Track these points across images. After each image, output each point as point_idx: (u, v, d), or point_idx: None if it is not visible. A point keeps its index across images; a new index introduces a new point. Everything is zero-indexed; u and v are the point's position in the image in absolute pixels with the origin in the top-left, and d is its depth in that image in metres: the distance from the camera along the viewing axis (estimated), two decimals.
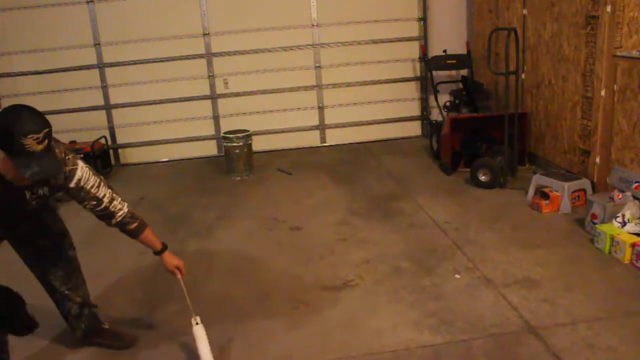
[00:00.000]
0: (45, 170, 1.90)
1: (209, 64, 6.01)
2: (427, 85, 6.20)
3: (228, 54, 5.99)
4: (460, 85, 5.66)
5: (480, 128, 4.95)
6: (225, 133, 5.43)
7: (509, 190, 4.41)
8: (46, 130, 1.90)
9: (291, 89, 6.16)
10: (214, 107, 6.14)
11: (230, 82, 6.08)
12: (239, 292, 3.13)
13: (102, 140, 5.82)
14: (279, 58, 6.06)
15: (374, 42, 6.13)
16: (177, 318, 2.56)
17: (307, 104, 6.24)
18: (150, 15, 5.81)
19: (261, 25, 5.94)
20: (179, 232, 4.06)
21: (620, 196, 3.44)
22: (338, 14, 6.01)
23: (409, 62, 6.27)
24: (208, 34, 5.91)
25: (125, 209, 2.32)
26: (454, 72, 6.09)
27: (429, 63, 5.85)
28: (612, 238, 3.20)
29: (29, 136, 1.84)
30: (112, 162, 6.03)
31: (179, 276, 2.50)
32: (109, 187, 2.30)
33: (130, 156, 6.17)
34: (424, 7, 6.08)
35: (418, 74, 6.30)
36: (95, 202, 2.24)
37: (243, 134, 5.32)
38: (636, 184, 3.50)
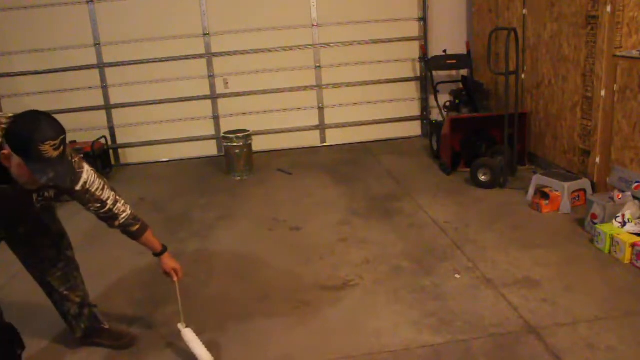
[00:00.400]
0: (60, 176, 1.93)
1: (209, 64, 6.01)
2: (427, 85, 6.20)
3: (228, 54, 5.99)
4: (460, 85, 5.66)
5: (480, 128, 4.95)
6: (225, 133, 5.43)
7: (509, 190, 4.41)
8: (62, 137, 1.92)
9: (291, 89, 6.16)
10: (214, 107, 6.14)
11: (230, 82, 6.08)
12: (239, 292, 3.13)
13: (102, 140, 5.81)
14: (279, 58, 6.06)
15: (374, 42, 6.13)
16: (177, 318, 2.56)
17: (307, 104, 6.24)
18: (150, 15, 5.81)
19: (261, 25, 5.94)
20: (179, 232, 4.06)
21: (620, 196, 3.44)
22: (338, 14, 6.01)
23: (409, 62, 6.27)
24: (208, 34, 5.91)
25: (128, 211, 2.35)
26: (454, 72, 6.09)
27: (429, 63, 5.85)
28: (612, 238, 3.20)
29: (46, 143, 1.85)
30: (112, 162, 6.03)
31: (175, 279, 2.52)
32: (112, 189, 2.32)
33: (130, 156, 6.17)
34: (424, 7, 6.08)
35: (418, 74, 6.30)
36: (99, 205, 2.25)
37: (243, 134, 5.32)
38: (636, 184, 3.50)
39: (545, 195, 3.94)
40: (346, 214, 4.20)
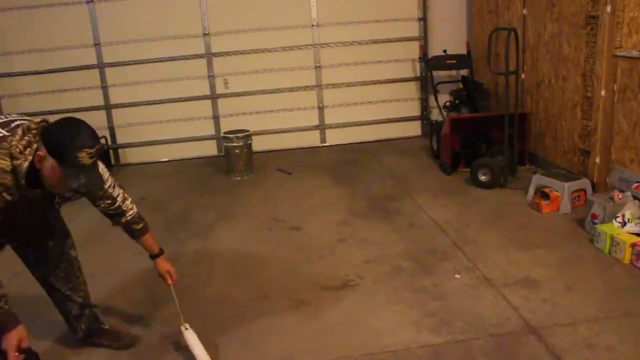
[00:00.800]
0: (92, 183, 2.02)
1: (209, 64, 6.01)
2: (427, 85, 6.20)
3: (228, 54, 6.00)
4: (460, 85, 5.66)
5: (480, 128, 4.95)
6: (225, 133, 5.43)
7: (509, 190, 4.41)
8: (98, 146, 2.00)
9: (291, 89, 6.17)
10: (214, 107, 6.14)
11: (230, 82, 6.08)
12: (239, 292, 3.13)
13: (102, 140, 5.82)
14: (279, 58, 6.06)
15: (374, 42, 6.13)
16: (177, 318, 2.56)
17: (307, 104, 6.24)
18: (151, 15, 5.82)
19: (261, 25, 5.94)
20: (179, 232, 4.06)
21: (620, 196, 3.44)
22: (338, 14, 6.01)
23: (409, 62, 6.28)
24: (208, 34, 5.91)
25: (135, 209, 2.43)
26: (454, 72, 6.09)
27: (429, 63, 5.85)
28: (612, 238, 3.20)
29: (83, 150, 1.92)
30: (112, 162, 6.04)
31: (169, 281, 2.54)
32: (121, 186, 2.39)
33: (130, 156, 6.17)
34: (424, 7, 6.08)
35: (418, 74, 6.31)
36: (110, 202, 2.32)
37: (243, 134, 5.32)
38: (636, 184, 3.50)
39: (545, 195, 3.94)
40: (346, 214, 4.20)
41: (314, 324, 2.77)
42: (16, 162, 1.93)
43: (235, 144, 5.28)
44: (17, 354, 1.97)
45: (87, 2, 5.73)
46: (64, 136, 1.93)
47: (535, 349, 2.44)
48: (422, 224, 3.91)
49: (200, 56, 5.97)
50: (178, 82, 6.00)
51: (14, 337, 1.99)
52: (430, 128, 5.66)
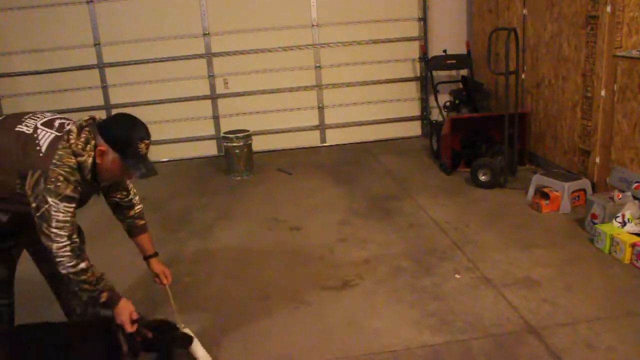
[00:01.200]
0: (150, 171, 2.16)
1: (209, 64, 6.01)
2: (427, 85, 6.20)
3: (228, 54, 5.99)
4: (460, 85, 5.66)
5: (480, 128, 4.95)
6: (225, 133, 5.43)
7: (509, 190, 4.41)
8: (150, 137, 2.17)
9: (291, 89, 6.17)
10: (214, 107, 6.14)
11: (230, 82, 6.08)
12: (239, 292, 3.13)
13: None
14: (279, 58, 6.06)
15: (374, 42, 6.13)
16: (176, 319, 2.56)
17: (307, 104, 6.24)
18: (151, 15, 5.82)
19: (261, 25, 5.94)
20: (179, 232, 4.06)
21: (620, 196, 3.44)
22: (338, 14, 6.01)
23: (409, 62, 6.27)
24: (208, 34, 5.91)
25: (141, 205, 2.51)
26: (454, 72, 6.09)
27: (429, 63, 5.85)
28: (612, 238, 3.20)
29: (143, 142, 2.11)
30: None
31: (165, 282, 2.54)
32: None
33: None
34: (424, 7, 6.08)
35: (418, 74, 6.31)
36: (125, 193, 2.42)
37: (243, 134, 5.32)
38: (636, 184, 3.51)
39: (545, 195, 3.94)
40: (346, 214, 4.20)
41: (314, 324, 2.77)
42: (80, 159, 2.03)
43: (235, 144, 5.28)
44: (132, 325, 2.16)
45: (87, 2, 5.73)
46: (124, 130, 2.10)
47: (535, 349, 2.44)
48: (422, 224, 3.91)
49: (200, 56, 5.97)
50: (178, 82, 6.00)
51: (125, 310, 2.18)
52: (430, 128, 5.66)
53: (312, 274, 3.29)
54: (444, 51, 5.83)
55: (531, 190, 4.14)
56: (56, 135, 2.04)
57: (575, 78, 4.20)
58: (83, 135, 2.07)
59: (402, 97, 6.34)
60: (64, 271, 2.03)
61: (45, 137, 2.03)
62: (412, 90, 6.36)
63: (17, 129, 2.05)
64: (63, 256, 2.00)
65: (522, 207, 4.07)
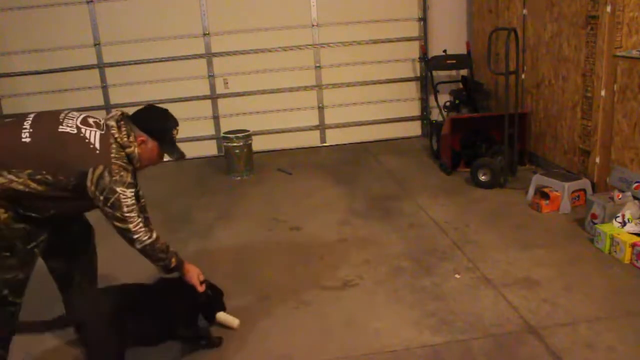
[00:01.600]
0: (183, 154, 2.44)
1: (209, 64, 6.01)
2: (427, 85, 6.20)
3: (228, 54, 5.99)
4: (460, 85, 5.66)
5: (480, 128, 4.95)
6: (225, 133, 5.43)
7: (509, 190, 4.41)
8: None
9: (291, 89, 6.16)
10: (214, 107, 6.14)
11: (230, 82, 6.08)
12: (239, 292, 3.13)
13: None
14: (279, 58, 6.06)
15: (374, 42, 6.13)
16: None
17: (307, 104, 6.24)
18: (151, 15, 5.81)
19: (261, 25, 5.94)
20: (179, 232, 4.06)
21: (620, 196, 3.44)
22: (338, 14, 6.01)
23: (409, 62, 6.27)
24: (208, 34, 5.91)
25: (144, 199, 2.71)
26: (454, 72, 6.09)
27: (429, 63, 5.85)
28: (612, 238, 3.20)
29: (175, 129, 2.41)
30: None
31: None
32: None
33: None
34: (424, 7, 6.08)
35: (418, 74, 6.31)
36: (136, 183, 2.46)
37: (243, 134, 5.32)
38: (636, 184, 3.51)
39: (545, 195, 3.94)
40: (346, 214, 4.20)
41: (314, 324, 2.77)
42: (129, 150, 2.25)
43: (235, 144, 5.28)
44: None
45: (87, 2, 5.73)
46: (160, 120, 2.39)
47: (535, 349, 2.44)
48: (422, 224, 3.91)
49: (200, 56, 5.97)
50: (178, 82, 6.00)
51: (194, 272, 2.43)
52: (430, 128, 5.66)
53: (312, 274, 3.29)
54: (444, 51, 5.83)
55: (531, 190, 4.14)
56: (101, 133, 2.22)
57: (575, 78, 4.20)
58: (123, 129, 2.26)
59: (402, 97, 6.34)
60: (140, 246, 2.21)
61: (93, 135, 2.20)
62: (412, 90, 6.36)
63: (60, 129, 2.17)
64: (139, 232, 2.19)
65: (522, 207, 4.07)
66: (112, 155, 2.18)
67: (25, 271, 2.22)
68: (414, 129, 6.45)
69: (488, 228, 3.75)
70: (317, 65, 6.12)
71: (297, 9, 5.95)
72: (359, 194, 4.61)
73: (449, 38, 6.09)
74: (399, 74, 6.26)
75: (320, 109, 6.27)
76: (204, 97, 6.10)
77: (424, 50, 6.05)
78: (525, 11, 4.85)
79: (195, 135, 6.18)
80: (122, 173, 2.17)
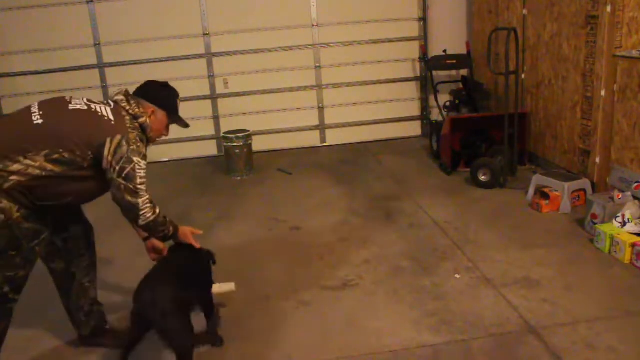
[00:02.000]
0: (187, 124, 2.54)
1: (209, 64, 6.01)
2: (427, 85, 6.20)
3: (228, 54, 5.99)
4: (460, 85, 5.66)
5: (480, 128, 4.95)
6: (225, 133, 5.43)
7: (509, 190, 4.41)
8: None
9: (291, 89, 6.16)
10: (214, 107, 6.14)
11: (230, 82, 6.08)
12: (239, 292, 3.12)
13: None
14: (279, 58, 6.06)
15: (374, 42, 6.13)
16: None
17: (307, 104, 6.24)
18: (151, 15, 5.81)
19: (261, 25, 5.94)
20: None
21: (620, 196, 3.44)
22: (338, 14, 6.01)
23: (409, 62, 6.27)
24: (208, 34, 5.91)
25: None
26: (454, 72, 6.09)
27: (429, 63, 5.85)
28: (612, 238, 3.20)
29: (178, 97, 2.49)
30: None
31: (153, 256, 2.60)
32: None
33: None
34: (424, 7, 6.08)
35: (418, 74, 6.31)
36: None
37: (243, 134, 5.32)
38: (636, 184, 3.51)
39: (545, 195, 3.94)
40: (346, 214, 4.20)
41: (314, 324, 2.77)
42: (141, 120, 2.30)
43: (235, 144, 5.28)
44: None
45: (87, 2, 5.73)
46: (164, 92, 2.46)
47: (535, 349, 2.44)
48: (422, 224, 3.91)
49: (200, 56, 5.97)
50: (178, 82, 5.91)
51: (188, 232, 2.49)
52: (430, 128, 5.66)
53: (312, 274, 3.29)
54: (444, 51, 5.83)
55: (531, 190, 4.14)
56: (111, 107, 2.25)
57: (575, 78, 4.20)
58: (132, 101, 2.31)
59: (402, 97, 6.34)
60: (144, 222, 2.22)
61: (104, 109, 2.22)
62: (412, 90, 6.36)
63: (71, 107, 2.19)
64: (146, 207, 2.19)
65: (522, 207, 4.07)
66: (128, 125, 2.21)
67: (27, 269, 2.22)
68: (414, 129, 6.45)
69: (488, 228, 3.75)
70: (317, 65, 6.12)
71: (297, 9, 5.96)
72: (359, 194, 4.61)
73: (449, 38, 6.09)
74: (399, 74, 6.26)
75: (320, 109, 6.27)
76: (204, 97, 6.10)
77: (424, 50, 6.05)
78: (525, 11, 4.86)
79: (195, 135, 6.17)
80: (139, 143, 2.20)
